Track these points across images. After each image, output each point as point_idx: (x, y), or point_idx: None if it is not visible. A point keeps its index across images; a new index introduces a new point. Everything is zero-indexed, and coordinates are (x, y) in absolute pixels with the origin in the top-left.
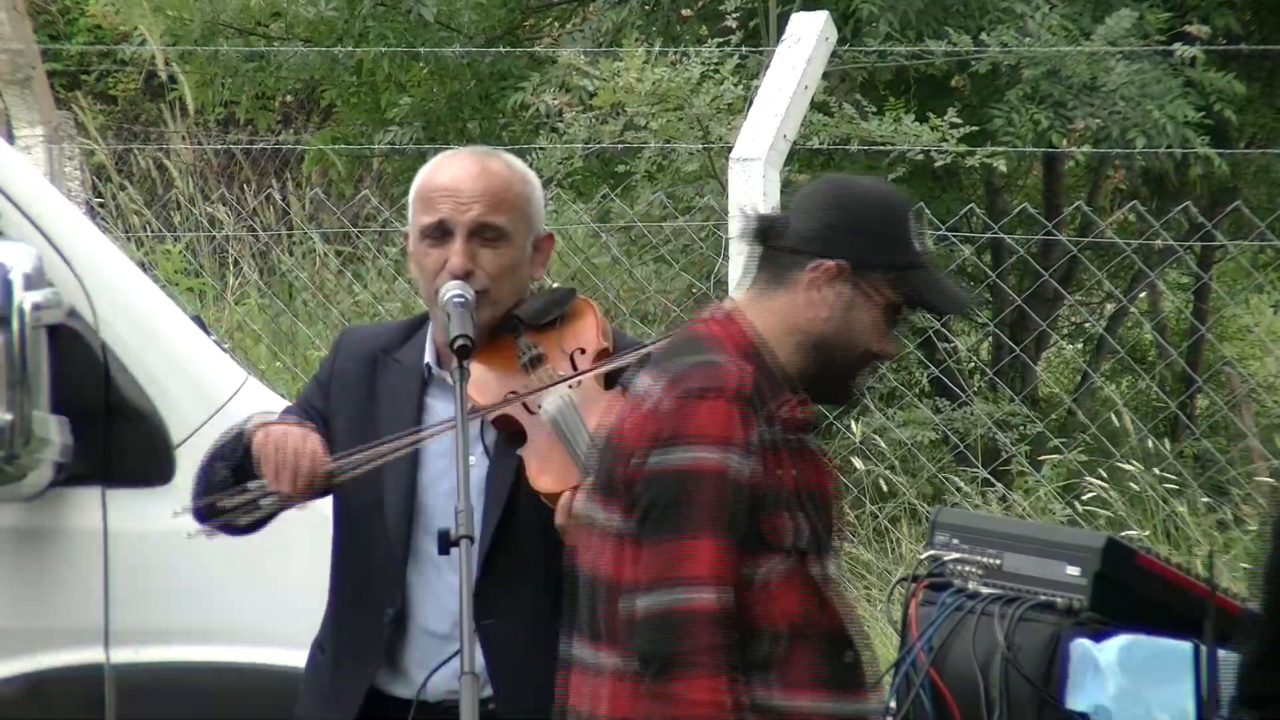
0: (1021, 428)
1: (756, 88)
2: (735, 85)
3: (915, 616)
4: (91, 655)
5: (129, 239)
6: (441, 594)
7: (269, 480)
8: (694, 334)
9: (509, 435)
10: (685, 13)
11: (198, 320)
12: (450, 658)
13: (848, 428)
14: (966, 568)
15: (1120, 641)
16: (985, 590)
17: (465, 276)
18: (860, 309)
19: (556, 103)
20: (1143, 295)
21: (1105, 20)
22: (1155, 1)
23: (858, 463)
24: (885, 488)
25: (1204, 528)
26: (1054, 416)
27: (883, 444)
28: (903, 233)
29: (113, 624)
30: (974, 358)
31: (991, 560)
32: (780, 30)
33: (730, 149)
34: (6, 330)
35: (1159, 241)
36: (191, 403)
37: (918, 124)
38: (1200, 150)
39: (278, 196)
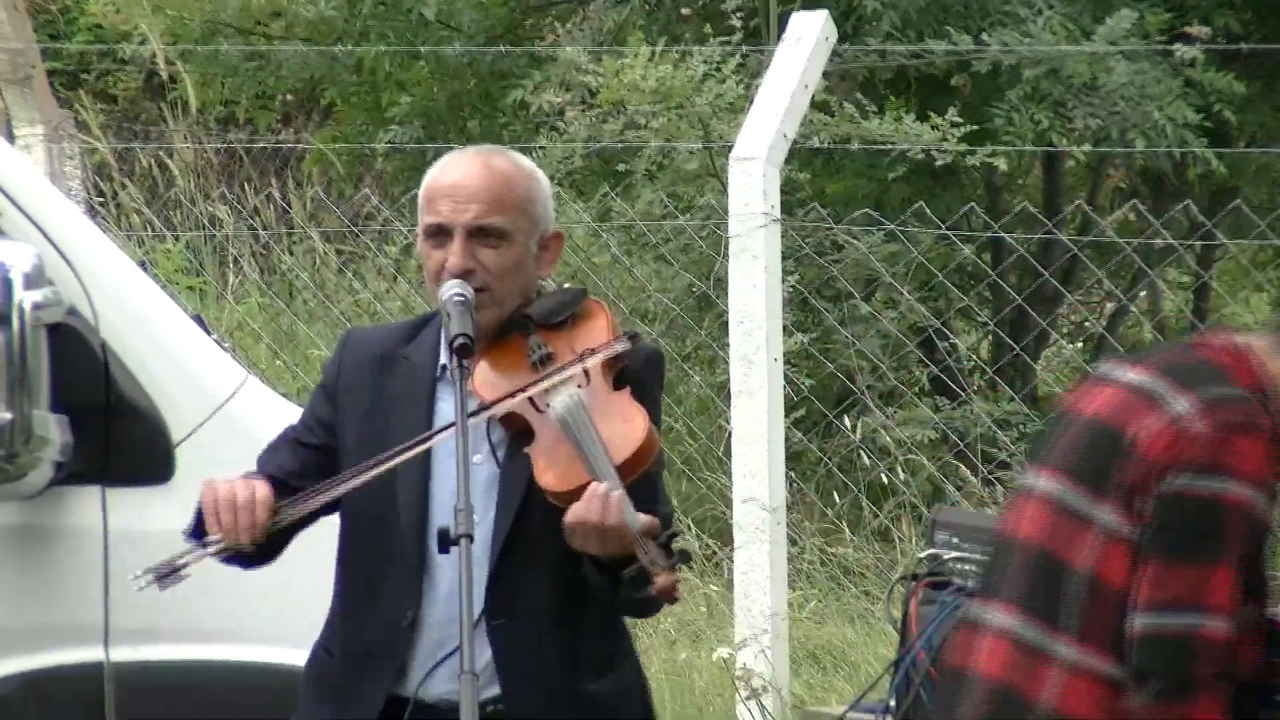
0: (1021, 427)
1: (757, 87)
2: (736, 84)
3: (915, 615)
4: (91, 654)
5: (129, 238)
6: (451, 595)
7: (219, 535)
8: (1208, 359)
9: (517, 434)
10: (686, 11)
11: (198, 319)
12: (447, 656)
13: (851, 427)
14: (966, 566)
15: None
16: None
17: (464, 275)
18: None
19: (559, 101)
20: (1143, 294)
21: (1105, 20)
22: (1155, 2)
23: (866, 459)
24: (887, 483)
25: None
26: (1054, 416)
27: (891, 440)
28: None
29: (112, 623)
30: (974, 357)
31: None
32: (781, 29)
33: (731, 148)
34: (6, 329)
35: (1159, 241)
36: (191, 402)
37: (918, 123)
38: (1199, 151)
39: (278, 195)
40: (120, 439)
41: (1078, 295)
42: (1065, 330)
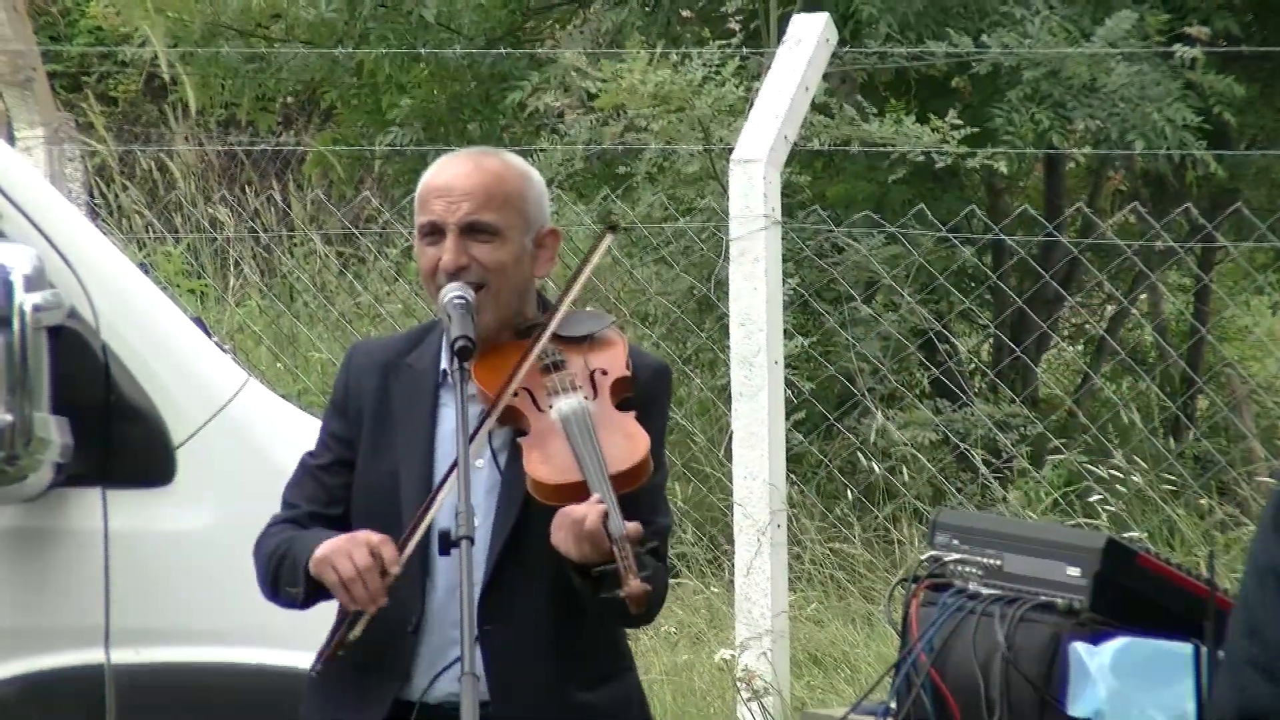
0: (1022, 429)
1: (757, 89)
2: (736, 87)
3: (916, 617)
4: (92, 656)
5: (130, 240)
6: (452, 597)
7: (351, 604)
8: None
9: (517, 433)
10: (686, 14)
11: (198, 321)
12: (454, 661)
13: (851, 429)
14: (967, 568)
15: (1115, 645)
16: (986, 591)
17: (458, 273)
18: None
19: (559, 105)
20: (1143, 297)
21: (1105, 22)
22: (1155, 3)
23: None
24: (885, 487)
25: (1204, 528)
26: (1054, 418)
27: (898, 439)
28: None
29: (113, 624)
30: (975, 359)
31: (992, 561)
32: (781, 32)
33: (731, 150)
34: (7, 331)
35: (1159, 243)
36: (192, 404)
37: (918, 125)
38: (1198, 153)
39: (279, 198)
40: (121, 441)
41: (1078, 298)
42: (1066, 333)
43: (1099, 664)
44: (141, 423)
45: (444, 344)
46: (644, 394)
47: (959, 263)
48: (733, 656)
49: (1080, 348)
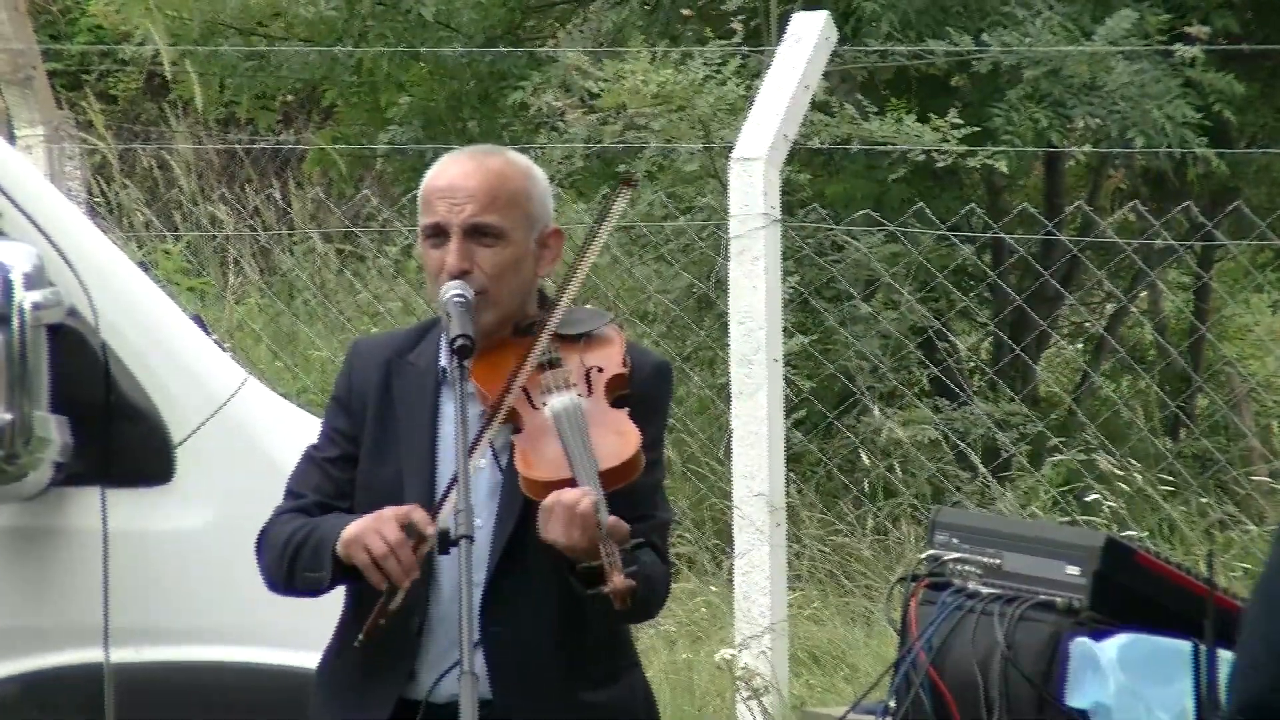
0: (1021, 427)
1: (757, 87)
2: (737, 85)
3: (915, 616)
4: (91, 655)
5: (129, 238)
6: (454, 597)
7: (383, 583)
8: None
9: (515, 431)
10: (686, 12)
11: (198, 320)
12: (459, 661)
13: (851, 428)
14: (966, 567)
15: (1120, 640)
16: (985, 590)
17: (461, 276)
18: None
19: (560, 105)
20: (1143, 295)
21: (1105, 21)
22: (1156, 2)
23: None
24: (884, 486)
25: (1203, 527)
26: (1054, 416)
27: (900, 435)
28: None
29: (112, 624)
30: (974, 357)
31: (991, 560)
32: (781, 30)
33: (731, 149)
34: (7, 329)
35: (1159, 241)
36: (191, 402)
37: (919, 124)
38: (1199, 151)
39: (278, 196)
40: (120, 440)
41: (1078, 296)
42: (1065, 331)
43: (1108, 658)
44: (141, 421)
45: (443, 341)
46: (643, 391)
47: (958, 261)
48: (732, 655)
49: (1080, 346)
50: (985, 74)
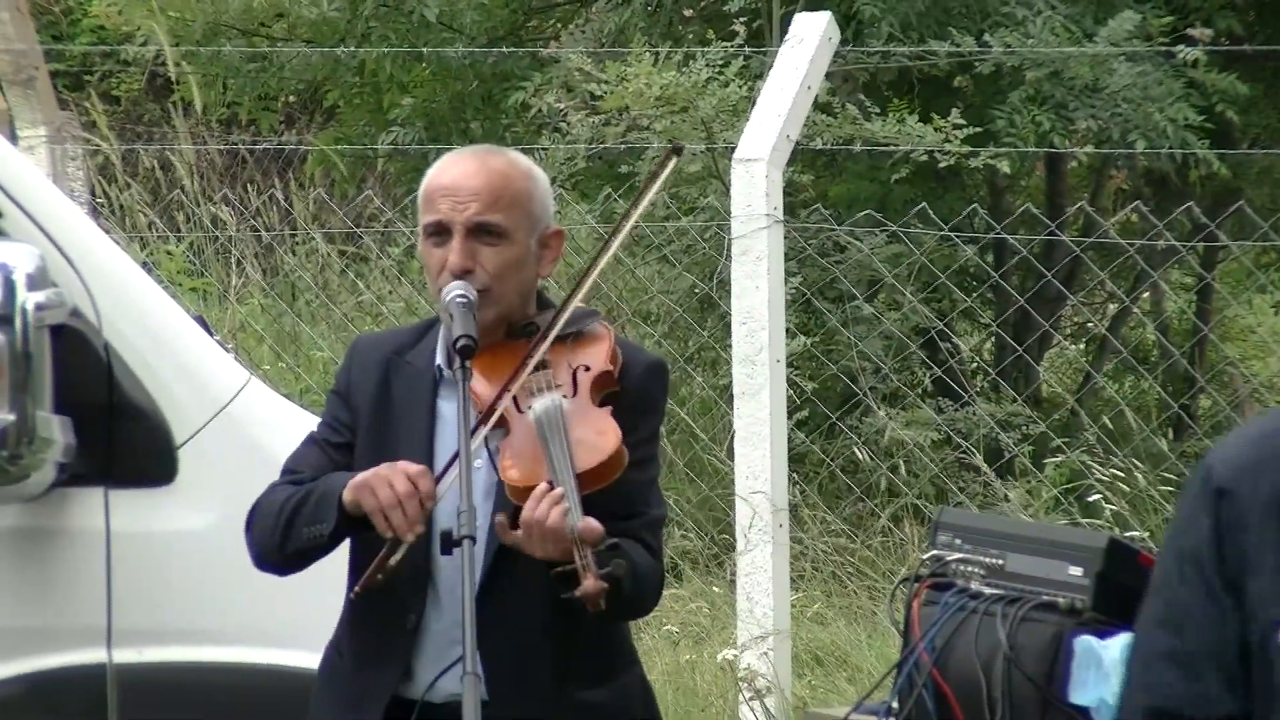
0: (1024, 428)
1: (759, 88)
2: (739, 87)
3: (918, 617)
4: (94, 656)
5: (132, 239)
6: (454, 597)
7: (388, 531)
8: None
9: (505, 434)
10: (688, 14)
11: (201, 320)
12: (457, 661)
13: (853, 428)
14: (969, 568)
15: (1124, 639)
16: (988, 590)
17: (464, 275)
18: None
19: (562, 106)
20: (1145, 295)
21: (1108, 22)
22: (1158, 4)
23: (869, 459)
24: (887, 487)
25: None
26: (1056, 417)
27: (903, 436)
28: None
29: (115, 624)
30: (977, 358)
31: (994, 560)
32: (783, 31)
33: (733, 149)
34: (10, 330)
35: (1162, 242)
36: (194, 403)
37: (921, 125)
38: (1200, 152)
39: (281, 197)
40: (123, 440)
41: (1080, 297)
42: (1068, 331)
43: (1112, 657)
44: (143, 422)
45: (440, 341)
46: (635, 388)
47: (961, 262)
48: (735, 656)
49: (1082, 347)
50: (987, 75)
